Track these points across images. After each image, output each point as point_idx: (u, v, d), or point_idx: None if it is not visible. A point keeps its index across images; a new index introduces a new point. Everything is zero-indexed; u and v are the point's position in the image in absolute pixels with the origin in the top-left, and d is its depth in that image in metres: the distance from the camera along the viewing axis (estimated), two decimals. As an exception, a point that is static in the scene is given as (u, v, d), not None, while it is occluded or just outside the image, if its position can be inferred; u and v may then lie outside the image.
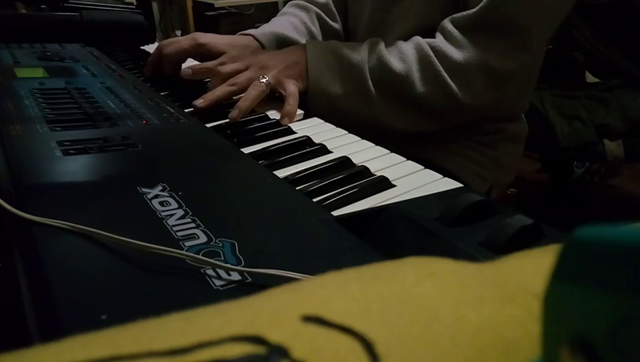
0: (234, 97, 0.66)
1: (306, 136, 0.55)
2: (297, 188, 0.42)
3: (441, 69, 0.65)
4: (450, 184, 0.44)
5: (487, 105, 0.71)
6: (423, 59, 0.65)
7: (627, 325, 0.10)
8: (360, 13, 0.85)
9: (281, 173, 0.45)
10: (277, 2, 3.24)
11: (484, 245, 0.32)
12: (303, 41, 0.87)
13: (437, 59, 0.65)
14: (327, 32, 0.92)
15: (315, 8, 0.92)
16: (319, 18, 0.92)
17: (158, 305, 0.26)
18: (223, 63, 0.70)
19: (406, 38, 0.70)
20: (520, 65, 0.67)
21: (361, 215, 0.38)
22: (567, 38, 1.39)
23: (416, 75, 0.65)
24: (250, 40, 0.83)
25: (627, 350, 0.10)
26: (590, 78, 1.47)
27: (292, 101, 0.63)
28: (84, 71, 0.79)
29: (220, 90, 0.64)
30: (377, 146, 0.53)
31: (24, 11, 0.82)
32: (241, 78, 0.65)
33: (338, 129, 0.59)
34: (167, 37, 3.10)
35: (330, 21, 0.92)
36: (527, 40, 0.65)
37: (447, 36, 0.66)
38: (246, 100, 0.61)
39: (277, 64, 0.67)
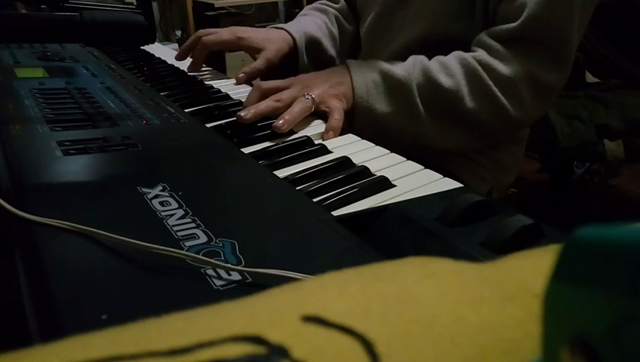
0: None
1: (306, 136, 0.55)
2: (297, 188, 0.42)
3: (491, 83, 0.63)
4: (450, 184, 0.43)
5: (534, 119, 0.69)
6: (470, 73, 0.64)
7: (627, 325, 0.10)
8: (366, 17, 0.86)
9: (281, 173, 0.45)
10: (277, 2, 3.24)
11: (484, 245, 0.32)
12: (326, 41, 0.88)
13: (485, 73, 0.63)
14: (344, 33, 0.93)
15: (333, 10, 0.94)
16: (337, 20, 0.93)
17: (158, 305, 0.26)
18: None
19: (414, 44, 0.70)
20: (564, 76, 0.67)
21: (361, 215, 0.38)
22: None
23: (465, 90, 0.64)
24: (285, 34, 0.84)
25: (627, 350, 0.10)
26: (590, 78, 1.47)
27: (337, 115, 0.60)
28: (84, 71, 0.79)
29: (265, 105, 0.61)
30: (377, 146, 0.53)
31: (24, 11, 0.82)
32: (285, 95, 0.63)
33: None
34: (167, 37, 3.10)
35: (346, 24, 0.94)
36: (569, 50, 0.65)
37: (490, 50, 0.65)
38: (292, 113, 0.59)
39: (321, 83, 0.65)
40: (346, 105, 0.64)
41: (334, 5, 0.96)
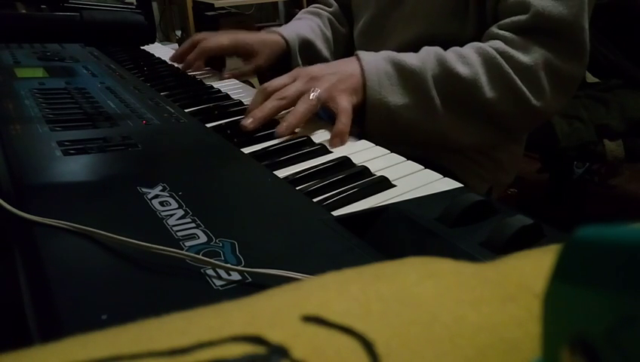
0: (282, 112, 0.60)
1: (306, 136, 0.55)
2: (297, 188, 0.42)
3: (511, 71, 0.61)
4: (450, 184, 0.43)
5: (554, 111, 0.67)
6: (488, 61, 0.61)
7: (627, 325, 0.10)
8: (360, 19, 0.86)
9: (281, 173, 0.45)
10: (277, 2, 3.24)
11: (484, 245, 0.32)
12: (319, 42, 0.88)
13: (504, 61, 0.61)
14: (338, 36, 0.93)
15: (326, 14, 0.95)
16: (331, 23, 0.94)
17: (158, 305, 0.26)
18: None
19: (407, 46, 0.69)
20: (583, 65, 0.64)
21: (361, 215, 0.38)
22: (567, 38, 1.39)
23: (483, 79, 0.61)
24: (277, 37, 0.84)
25: (627, 350, 0.10)
26: (590, 78, 1.47)
27: (344, 119, 0.56)
28: (84, 71, 0.79)
29: (269, 106, 0.57)
30: (377, 146, 0.53)
31: (24, 11, 0.82)
32: (290, 91, 0.58)
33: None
34: (167, 37, 3.10)
35: (339, 27, 0.94)
36: (584, 38, 0.63)
37: (505, 40, 0.62)
38: (295, 115, 0.55)
39: (328, 76, 0.60)
40: (355, 100, 0.60)
41: (327, 9, 0.96)
